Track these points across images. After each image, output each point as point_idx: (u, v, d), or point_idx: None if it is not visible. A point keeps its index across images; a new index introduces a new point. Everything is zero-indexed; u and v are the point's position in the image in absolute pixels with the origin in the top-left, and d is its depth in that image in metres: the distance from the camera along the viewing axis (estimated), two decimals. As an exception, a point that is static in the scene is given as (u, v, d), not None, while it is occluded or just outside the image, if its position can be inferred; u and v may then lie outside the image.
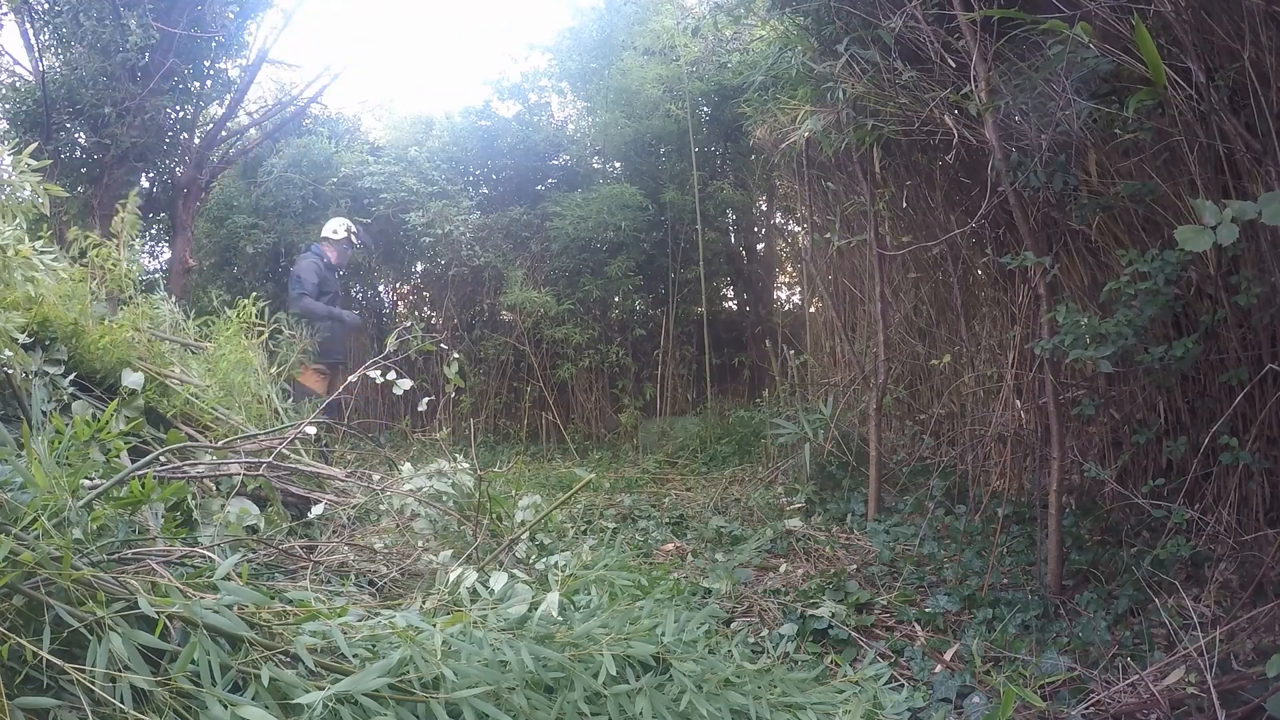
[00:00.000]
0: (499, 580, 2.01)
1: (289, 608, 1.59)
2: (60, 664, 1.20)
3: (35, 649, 1.21)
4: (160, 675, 1.29)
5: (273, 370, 4.10)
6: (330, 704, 1.36)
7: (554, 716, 1.58)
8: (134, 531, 1.87)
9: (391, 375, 3.28)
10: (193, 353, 3.74)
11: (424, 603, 2.04)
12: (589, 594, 2.22)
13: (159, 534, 1.96)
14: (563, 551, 3.01)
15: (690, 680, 1.84)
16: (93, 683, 1.20)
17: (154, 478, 1.98)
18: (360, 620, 1.65)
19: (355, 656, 1.52)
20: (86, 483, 1.80)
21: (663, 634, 1.98)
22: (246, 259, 7.57)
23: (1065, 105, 2.50)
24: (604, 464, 6.28)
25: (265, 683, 1.34)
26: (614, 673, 1.73)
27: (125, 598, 1.38)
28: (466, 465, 2.85)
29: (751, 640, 2.56)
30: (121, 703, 1.21)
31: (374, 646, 1.55)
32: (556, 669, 1.68)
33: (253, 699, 1.34)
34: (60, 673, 1.22)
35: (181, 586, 1.48)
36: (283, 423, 3.61)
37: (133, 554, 1.66)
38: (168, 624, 1.40)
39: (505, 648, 1.60)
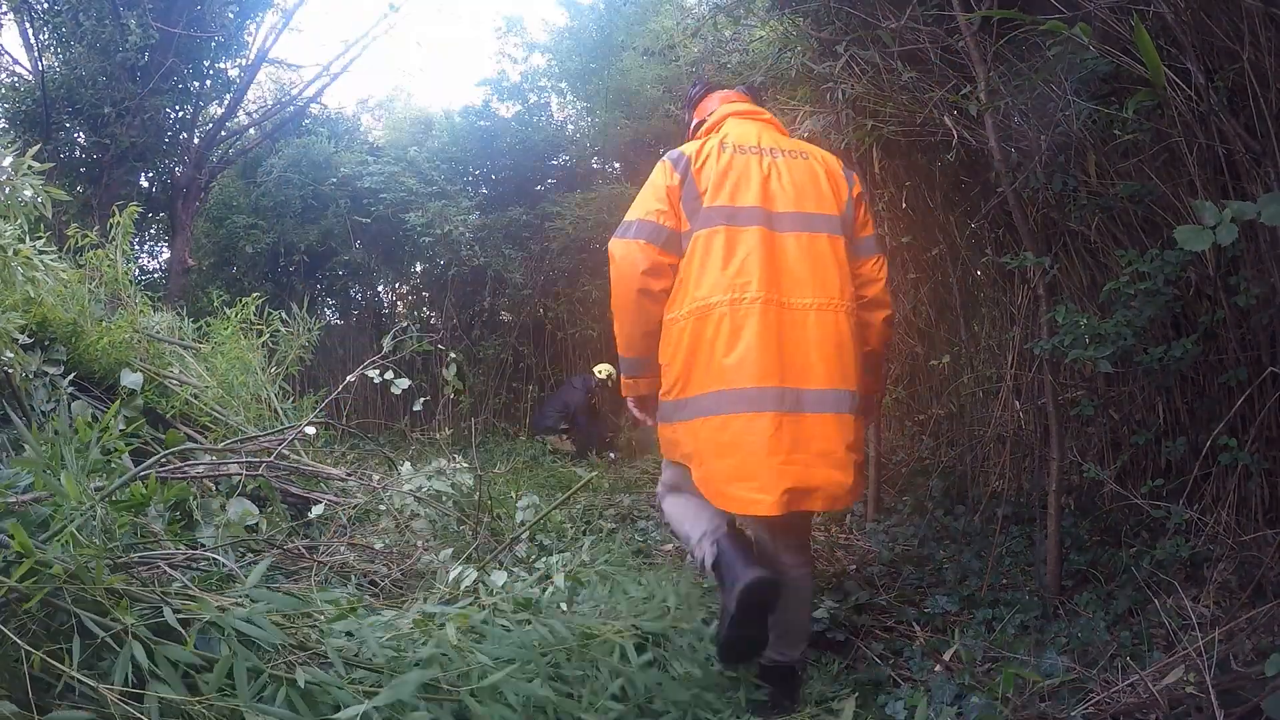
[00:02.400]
0: (499, 579, 2.02)
1: (316, 610, 1.58)
2: (92, 684, 1.18)
3: (53, 660, 1.20)
4: (189, 683, 1.27)
5: (272, 369, 4.10)
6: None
7: (585, 692, 1.60)
8: (137, 534, 1.87)
9: (390, 375, 3.28)
10: (188, 352, 3.74)
11: (425, 601, 2.04)
12: (591, 585, 2.24)
13: (164, 536, 1.96)
14: (562, 552, 3.01)
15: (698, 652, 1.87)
16: (123, 699, 1.18)
17: (156, 479, 1.99)
18: (378, 618, 1.65)
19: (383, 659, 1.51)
20: (92, 486, 1.80)
21: (666, 602, 2.00)
22: (246, 259, 7.57)
23: (1065, 106, 2.51)
24: (604, 464, 6.28)
25: (301, 686, 1.32)
26: (628, 652, 1.74)
27: (152, 603, 1.36)
28: (465, 465, 2.85)
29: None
30: (149, 718, 1.19)
31: (397, 644, 1.54)
32: (573, 647, 1.70)
33: (285, 705, 1.32)
34: (82, 683, 1.20)
35: (211, 597, 1.46)
36: (282, 423, 3.61)
37: (139, 558, 1.66)
38: (183, 630, 1.38)
39: (533, 625, 1.61)
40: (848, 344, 1.93)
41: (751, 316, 1.85)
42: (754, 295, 1.86)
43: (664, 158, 2.07)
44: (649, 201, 2.01)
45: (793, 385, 1.85)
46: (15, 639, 1.18)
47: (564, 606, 1.87)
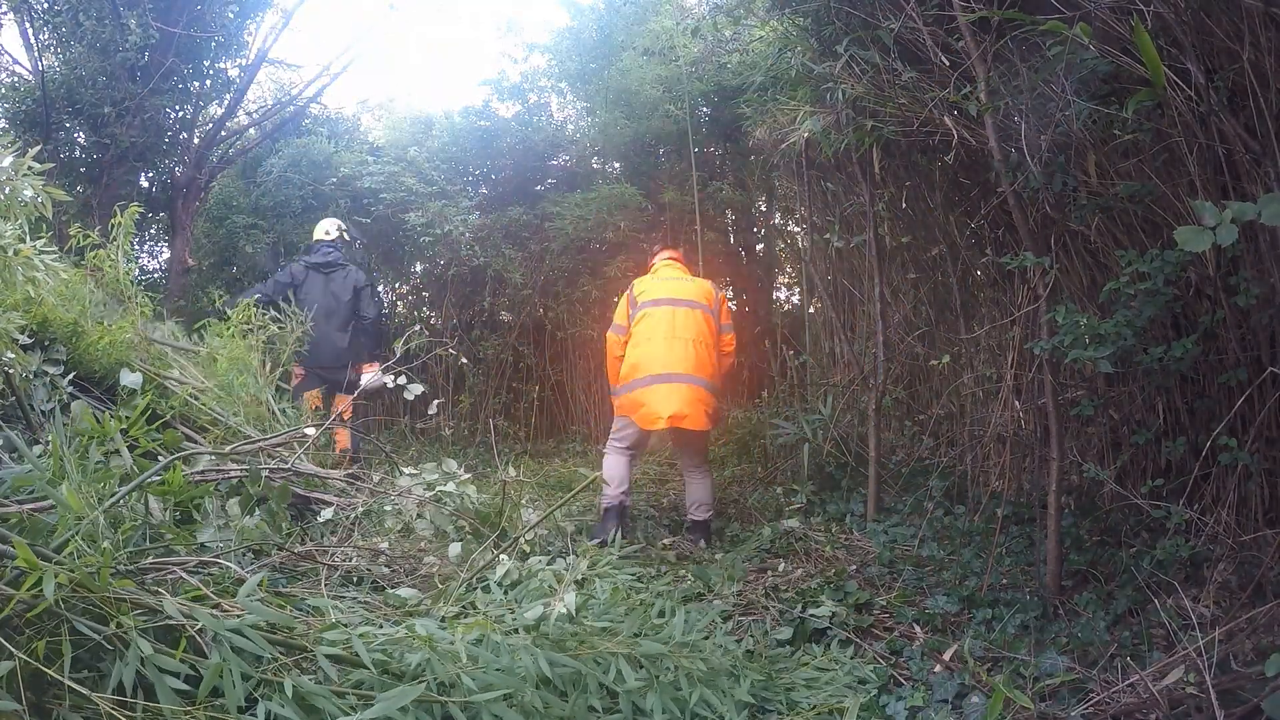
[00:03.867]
0: (503, 567, 2.03)
1: (309, 618, 1.58)
2: (86, 692, 1.18)
3: (45, 667, 1.19)
4: (181, 687, 1.27)
5: (269, 372, 4.09)
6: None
7: (569, 713, 1.59)
8: (145, 540, 1.86)
9: (403, 380, 3.29)
10: (187, 354, 3.74)
11: (431, 604, 2.04)
12: (595, 586, 2.24)
13: (174, 541, 1.96)
14: (563, 552, 3.01)
15: (697, 675, 1.86)
16: (122, 701, 1.18)
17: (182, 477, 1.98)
18: (377, 627, 1.65)
19: (375, 664, 1.51)
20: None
21: (670, 634, 2.00)
22: (246, 259, 7.55)
23: (1065, 106, 2.51)
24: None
25: (289, 694, 1.32)
26: (626, 673, 1.75)
27: (152, 607, 1.36)
28: (466, 475, 2.86)
29: (751, 639, 2.56)
30: None
31: (391, 652, 1.54)
32: (569, 667, 1.70)
33: (278, 710, 1.32)
34: (76, 690, 1.20)
35: (208, 606, 1.45)
36: (280, 423, 3.60)
37: (151, 563, 1.65)
38: (196, 636, 1.38)
39: (523, 654, 1.60)
40: (706, 356, 3.91)
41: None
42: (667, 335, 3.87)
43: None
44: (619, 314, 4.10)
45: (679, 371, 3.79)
46: (10, 649, 1.18)
47: (572, 611, 1.86)
